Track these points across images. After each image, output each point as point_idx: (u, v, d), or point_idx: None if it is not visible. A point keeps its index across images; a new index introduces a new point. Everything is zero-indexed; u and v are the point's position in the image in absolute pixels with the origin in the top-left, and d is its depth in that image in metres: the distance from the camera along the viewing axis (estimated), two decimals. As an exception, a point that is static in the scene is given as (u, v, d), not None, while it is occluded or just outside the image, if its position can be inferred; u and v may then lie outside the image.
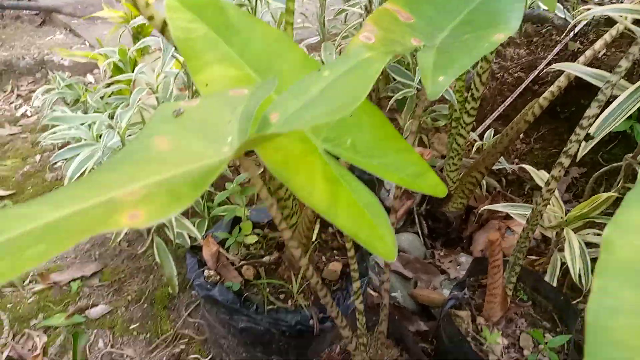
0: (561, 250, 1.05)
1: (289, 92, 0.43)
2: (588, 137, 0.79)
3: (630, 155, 0.96)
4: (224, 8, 0.61)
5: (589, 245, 1.03)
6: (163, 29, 0.63)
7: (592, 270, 1.15)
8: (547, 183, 0.78)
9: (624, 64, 0.71)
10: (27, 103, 2.03)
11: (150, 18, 0.61)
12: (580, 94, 1.30)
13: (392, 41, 0.61)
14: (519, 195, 1.38)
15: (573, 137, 0.75)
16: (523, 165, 1.09)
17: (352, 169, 0.60)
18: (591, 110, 0.73)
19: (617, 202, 1.14)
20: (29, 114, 1.98)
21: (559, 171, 0.77)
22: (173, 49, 1.18)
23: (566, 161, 0.76)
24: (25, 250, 0.23)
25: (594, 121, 0.73)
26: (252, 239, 0.86)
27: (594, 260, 1.12)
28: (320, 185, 0.55)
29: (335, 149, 0.62)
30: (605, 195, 0.92)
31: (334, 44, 1.34)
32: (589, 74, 0.90)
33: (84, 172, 0.92)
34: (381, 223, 0.55)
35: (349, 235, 0.52)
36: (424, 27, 0.66)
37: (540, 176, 1.03)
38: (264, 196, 0.48)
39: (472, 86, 1.05)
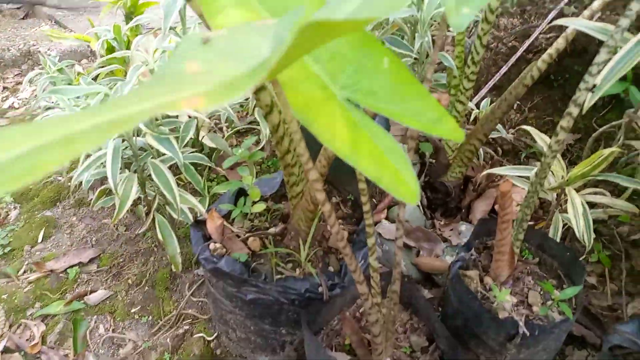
0: (562, 211, 1.05)
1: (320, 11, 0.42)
2: (594, 88, 0.79)
3: (632, 110, 0.96)
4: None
5: (589, 206, 1.04)
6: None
7: (595, 230, 1.16)
8: (556, 134, 0.78)
9: (635, 6, 0.70)
10: (14, 95, 1.98)
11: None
12: (574, 61, 1.31)
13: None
14: (515, 164, 1.38)
15: (582, 85, 0.75)
16: (524, 127, 1.09)
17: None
18: (600, 57, 0.73)
19: (614, 166, 1.15)
20: (17, 106, 1.93)
21: (568, 121, 0.77)
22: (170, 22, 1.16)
23: (575, 110, 0.76)
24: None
25: (603, 68, 0.73)
26: (259, 207, 0.84)
27: (593, 222, 1.13)
28: (341, 131, 0.54)
29: (355, 95, 0.61)
30: (607, 151, 0.93)
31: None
32: (593, 28, 0.90)
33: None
34: (403, 167, 0.54)
35: (372, 179, 0.51)
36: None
37: (542, 137, 1.03)
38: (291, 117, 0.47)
39: (472, 49, 1.05)
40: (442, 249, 1.12)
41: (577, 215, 0.95)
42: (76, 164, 1.14)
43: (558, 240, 1.04)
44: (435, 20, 1.23)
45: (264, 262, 0.87)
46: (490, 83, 1.37)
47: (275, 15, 0.58)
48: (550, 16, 1.35)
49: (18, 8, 2.80)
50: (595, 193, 1.03)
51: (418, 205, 1.26)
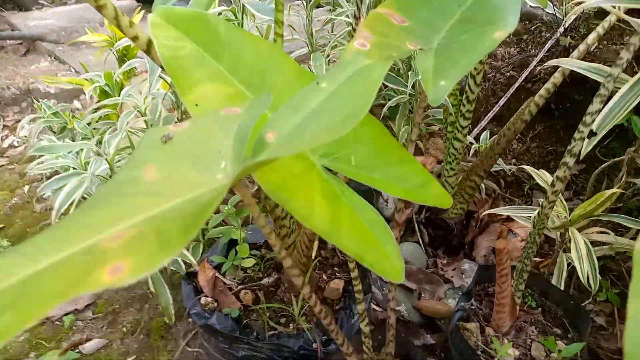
0: (566, 251, 1.02)
1: (286, 107, 0.40)
2: (591, 134, 0.76)
3: (632, 149, 0.93)
4: (212, 23, 0.58)
5: (594, 244, 1.01)
6: (148, 49, 0.60)
7: (600, 271, 1.12)
8: (552, 184, 0.75)
9: (625, 55, 0.68)
10: (13, 133, 1.99)
11: (135, 38, 0.58)
12: (574, 90, 1.28)
13: (388, 46, 0.58)
14: (518, 196, 1.35)
15: (577, 135, 0.72)
16: (523, 166, 1.06)
17: (348, 181, 0.57)
18: (593, 106, 0.70)
19: (620, 198, 1.12)
20: (16, 144, 1.94)
21: (564, 171, 0.74)
22: (160, 69, 1.15)
23: (571, 160, 0.73)
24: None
25: (597, 117, 0.70)
26: (249, 263, 0.82)
27: (600, 259, 1.10)
28: (320, 205, 0.52)
29: (334, 164, 0.59)
30: (609, 192, 0.89)
31: (322, 55, 1.32)
32: (586, 69, 0.88)
33: (72, 202, 0.88)
34: (387, 241, 0.52)
35: (354, 257, 0.49)
36: (420, 30, 0.63)
37: (541, 176, 1.01)
38: (261, 224, 0.45)
39: (467, 88, 1.03)
40: (445, 291, 1.09)
41: (581, 258, 0.92)
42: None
43: (564, 279, 1.00)
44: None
45: (257, 317, 0.85)
46: (490, 115, 1.35)
47: (250, 86, 0.56)
48: (547, 46, 1.32)
49: (20, 44, 2.83)
50: (600, 232, 1.00)
51: (419, 243, 1.23)
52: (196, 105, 0.55)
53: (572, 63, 0.89)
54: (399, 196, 0.55)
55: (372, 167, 0.58)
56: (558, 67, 1.22)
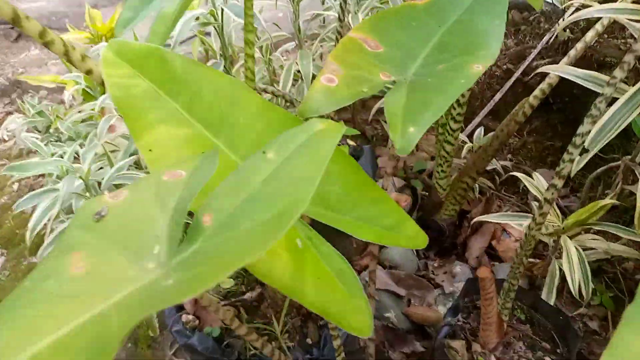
0: (559, 257, 0.99)
1: (227, 184, 0.37)
2: (583, 151, 0.72)
3: (628, 157, 0.89)
4: (168, 59, 0.55)
5: (588, 249, 0.98)
6: (104, 84, 0.56)
7: (595, 273, 1.10)
8: (540, 207, 0.72)
9: (619, 74, 0.64)
10: (2, 126, 1.96)
11: (89, 72, 0.55)
12: (572, 84, 1.23)
13: (359, 79, 0.55)
14: (513, 193, 1.32)
15: (566, 157, 0.69)
16: (514, 174, 1.03)
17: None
18: (584, 127, 0.66)
19: (612, 210, 1.08)
20: (6, 138, 1.91)
21: (552, 193, 0.71)
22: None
23: (559, 182, 0.70)
24: None
25: (587, 137, 0.67)
26: (228, 283, 0.80)
27: (592, 263, 1.07)
28: (281, 258, 0.49)
29: (301, 205, 0.55)
30: (602, 202, 0.86)
31: (310, 50, 1.27)
32: (580, 76, 0.84)
33: (49, 219, 0.86)
34: (356, 293, 0.49)
35: (319, 311, 0.47)
36: (395, 56, 0.59)
37: (533, 184, 0.97)
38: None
39: None
40: (435, 297, 1.07)
41: (572, 268, 0.89)
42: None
43: (556, 286, 0.98)
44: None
45: (239, 336, 0.84)
46: (484, 111, 1.31)
47: (209, 126, 0.53)
48: (545, 39, 1.27)
49: (12, 28, 2.77)
50: (593, 239, 0.97)
51: (410, 245, 1.20)
52: (150, 150, 0.52)
53: (565, 70, 0.84)
54: (369, 240, 0.53)
55: (341, 208, 0.55)
56: (555, 61, 1.17)
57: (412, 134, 0.47)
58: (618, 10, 0.70)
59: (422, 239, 0.57)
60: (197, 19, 0.99)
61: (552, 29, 1.29)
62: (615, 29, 1.14)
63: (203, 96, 0.55)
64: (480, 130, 1.24)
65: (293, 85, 1.30)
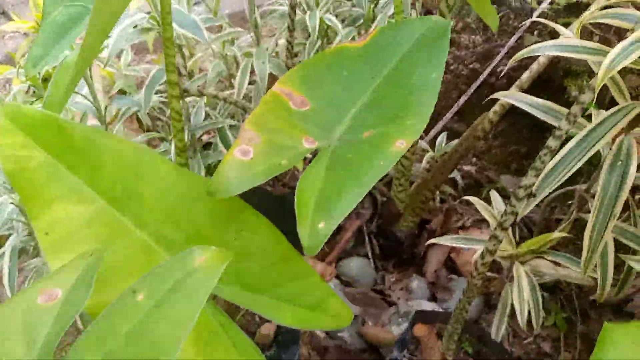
0: (512, 280, 0.98)
1: (93, 330, 0.32)
2: (530, 195, 0.69)
3: (584, 187, 0.86)
4: (66, 128, 0.49)
5: (539, 274, 0.96)
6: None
7: (551, 291, 1.09)
8: (482, 256, 0.69)
9: (564, 125, 0.60)
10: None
11: None
12: (539, 89, 1.19)
13: (278, 148, 0.50)
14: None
15: (508, 209, 0.66)
16: (468, 197, 1.00)
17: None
18: (528, 180, 0.63)
19: (565, 242, 1.05)
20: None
21: (494, 245, 0.68)
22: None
23: (500, 234, 0.67)
24: None
25: (529, 190, 0.63)
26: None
27: (545, 288, 1.06)
28: (188, 352, 0.46)
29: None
30: (554, 235, 0.84)
31: (267, 49, 1.20)
32: (533, 106, 0.79)
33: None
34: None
35: None
36: (322, 115, 0.54)
37: (489, 211, 0.94)
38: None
39: None
40: (389, 316, 1.05)
41: (522, 298, 0.88)
42: None
43: (507, 312, 0.97)
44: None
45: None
46: (448, 115, 1.26)
47: (114, 201, 0.47)
48: (513, 38, 1.21)
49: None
50: (547, 264, 0.95)
51: (368, 256, 1.18)
52: (47, 234, 0.47)
53: (518, 98, 0.80)
54: (287, 324, 0.49)
55: (260, 286, 0.51)
56: (522, 65, 1.12)
57: (321, 231, 0.43)
58: (576, 49, 0.64)
59: (346, 317, 0.54)
60: (135, 26, 0.91)
61: (521, 27, 1.23)
62: (585, 32, 1.09)
63: (106, 167, 0.50)
64: (442, 137, 1.20)
65: (251, 83, 1.23)
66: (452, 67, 1.30)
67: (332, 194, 0.44)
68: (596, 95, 0.55)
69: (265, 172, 0.47)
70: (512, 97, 0.80)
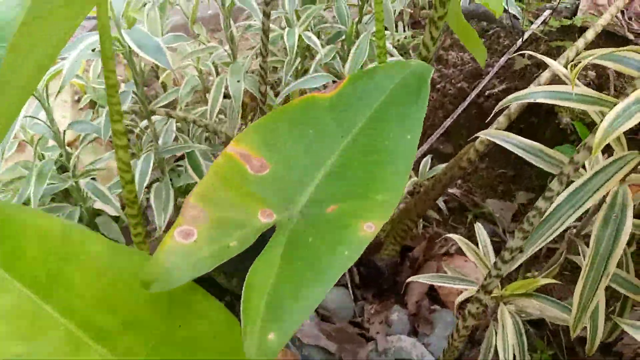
0: (497, 320, 0.93)
1: None
2: (519, 250, 0.63)
3: (574, 231, 0.81)
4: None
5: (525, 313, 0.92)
6: None
7: (537, 326, 1.05)
8: (464, 318, 0.64)
9: (567, 169, 0.54)
10: None
11: None
12: (530, 113, 1.13)
13: (228, 225, 0.43)
14: (461, 223, 1.24)
15: (493, 272, 0.60)
16: (450, 235, 0.94)
17: None
18: (514, 242, 0.57)
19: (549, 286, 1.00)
20: None
21: (477, 307, 0.63)
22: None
23: (493, 283, 0.62)
24: None
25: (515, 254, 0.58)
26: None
27: (531, 323, 1.01)
28: None
29: None
30: (542, 281, 0.79)
31: (242, 66, 1.13)
32: (523, 148, 0.73)
33: None
34: None
35: None
36: (283, 182, 0.48)
37: (473, 249, 0.89)
38: None
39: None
40: (367, 353, 1.00)
41: (506, 344, 0.83)
42: None
43: (492, 353, 0.92)
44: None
45: None
46: (434, 136, 1.20)
47: (38, 290, 0.41)
48: (503, 59, 1.16)
49: None
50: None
51: (347, 286, 1.12)
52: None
53: (505, 138, 0.74)
54: None
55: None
56: (511, 87, 1.07)
57: (271, 344, 0.37)
58: (571, 97, 0.58)
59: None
60: (94, 49, 0.84)
61: (511, 48, 1.17)
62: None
63: (26, 249, 0.43)
64: (426, 161, 1.14)
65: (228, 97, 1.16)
66: (438, 86, 1.24)
67: (287, 295, 0.38)
68: (595, 151, 0.50)
69: (211, 258, 0.41)
70: (499, 136, 0.74)
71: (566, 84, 0.69)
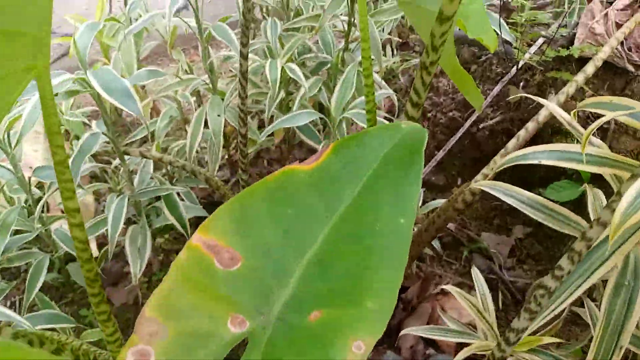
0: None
1: None
2: (524, 330, 0.57)
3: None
4: None
5: None
6: None
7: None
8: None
9: (579, 246, 0.48)
10: None
11: None
12: (527, 145, 1.08)
13: (192, 340, 0.37)
14: (456, 259, 1.18)
15: (497, 354, 0.54)
16: (445, 287, 0.88)
17: None
18: (519, 323, 0.51)
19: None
20: None
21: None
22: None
23: None
24: None
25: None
26: None
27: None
28: None
29: None
30: (546, 339, 0.73)
31: (222, 99, 1.06)
32: (524, 202, 0.68)
33: None
34: None
35: None
36: (258, 276, 0.42)
37: (470, 301, 0.83)
38: None
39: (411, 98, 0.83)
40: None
41: (510, 406, 0.77)
42: None
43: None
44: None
45: None
46: (426, 169, 1.15)
47: None
48: (497, 88, 1.10)
49: None
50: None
51: (337, 331, 1.06)
52: None
53: (503, 190, 0.69)
54: None
55: None
56: (506, 118, 1.03)
57: None
58: (578, 158, 0.53)
59: None
60: (56, 94, 0.77)
61: (507, 74, 1.12)
62: (577, 96, 0.98)
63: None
64: (419, 195, 1.08)
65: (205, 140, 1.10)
66: (429, 115, 1.19)
67: None
68: (613, 236, 0.44)
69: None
70: (496, 188, 0.69)
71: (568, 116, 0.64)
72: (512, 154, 0.59)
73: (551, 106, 0.68)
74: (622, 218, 0.41)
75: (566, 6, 1.03)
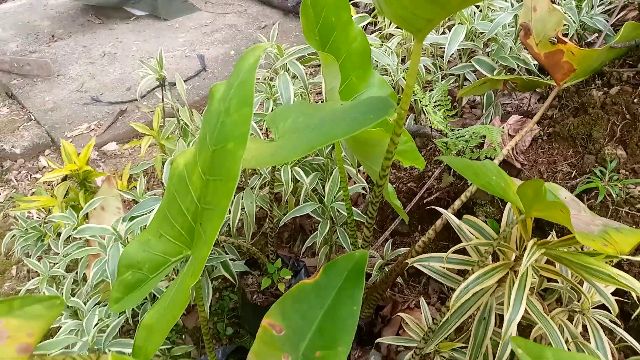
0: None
1: None
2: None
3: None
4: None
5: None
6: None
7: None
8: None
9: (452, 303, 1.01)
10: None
11: None
12: (459, 212, 1.58)
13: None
14: (417, 283, 1.70)
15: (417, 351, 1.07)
16: (403, 316, 1.40)
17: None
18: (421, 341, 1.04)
19: None
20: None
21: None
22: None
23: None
24: None
25: None
26: None
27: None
28: None
29: None
30: (453, 344, 1.25)
31: (254, 191, 1.58)
32: (430, 269, 1.19)
33: None
34: None
35: None
36: (291, 337, 0.94)
37: (414, 319, 1.35)
38: None
39: (368, 212, 1.31)
40: (352, 389, 1.47)
41: (439, 384, 1.30)
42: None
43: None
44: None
45: None
46: (392, 226, 1.66)
47: None
48: (437, 172, 1.61)
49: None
50: None
51: (338, 339, 1.59)
52: None
53: (434, 262, 1.20)
54: None
55: None
56: (446, 191, 1.51)
57: None
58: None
59: None
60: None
61: (440, 165, 1.62)
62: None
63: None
64: (388, 245, 1.60)
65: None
66: (394, 185, 1.70)
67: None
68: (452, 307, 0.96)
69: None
70: (426, 261, 1.20)
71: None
72: (417, 257, 1.11)
73: (447, 215, 1.19)
74: (455, 300, 0.92)
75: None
